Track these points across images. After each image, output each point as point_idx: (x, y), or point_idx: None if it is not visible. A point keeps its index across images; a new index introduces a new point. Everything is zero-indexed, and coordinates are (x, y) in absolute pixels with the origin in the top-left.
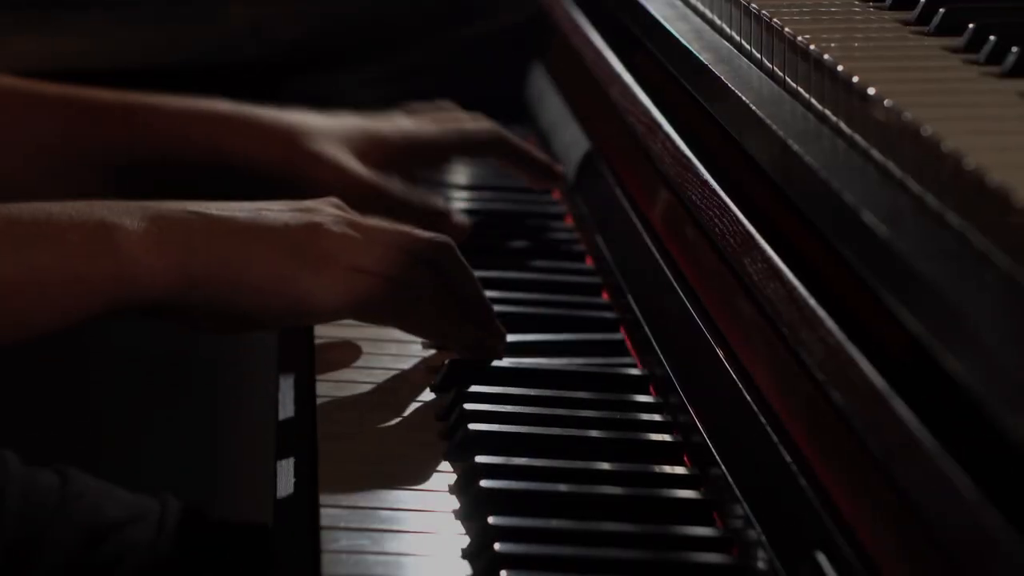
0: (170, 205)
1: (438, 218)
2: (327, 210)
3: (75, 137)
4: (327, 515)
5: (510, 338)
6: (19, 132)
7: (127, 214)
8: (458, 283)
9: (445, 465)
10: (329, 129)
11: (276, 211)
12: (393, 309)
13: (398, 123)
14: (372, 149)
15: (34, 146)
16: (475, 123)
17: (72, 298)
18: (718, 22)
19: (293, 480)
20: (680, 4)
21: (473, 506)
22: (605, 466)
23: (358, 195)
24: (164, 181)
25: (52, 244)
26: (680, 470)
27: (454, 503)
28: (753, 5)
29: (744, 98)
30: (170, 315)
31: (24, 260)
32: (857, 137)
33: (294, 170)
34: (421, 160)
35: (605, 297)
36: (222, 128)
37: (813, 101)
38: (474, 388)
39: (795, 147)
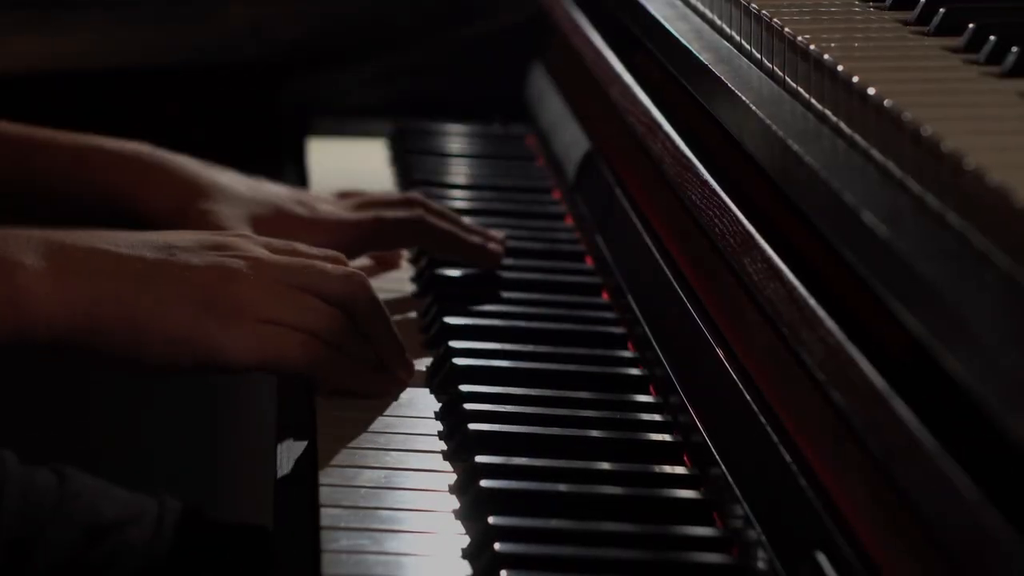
0: (77, 238)
1: None
2: (240, 247)
3: None
4: (327, 515)
5: (509, 342)
6: None
7: (28, 246)
8: (370, 325)
9: (445, 465)
10: (235, 193)
11: (187, 250)
12: (308, 363)
13: (314, 204)
14: (273, 224)
15: None
16: (397, 208)
17: None
18: (718, 22)
19: (293, 479)
20: (680, 4)
21: (473, 506)
22: (605, 466)
23: None
24: (57, 216)
25: None
26: (680, 470)
27: (454, 503)
28: (753, 5)
29: (744, 98)
30: (73, 357)
31: None
32: (857, 137)
33: (185, 226)
34: (331, 242)
35: (605, 297)
36: (122, 169)
37: (813, 101)
38: (474, 388)
39: (795, 147)
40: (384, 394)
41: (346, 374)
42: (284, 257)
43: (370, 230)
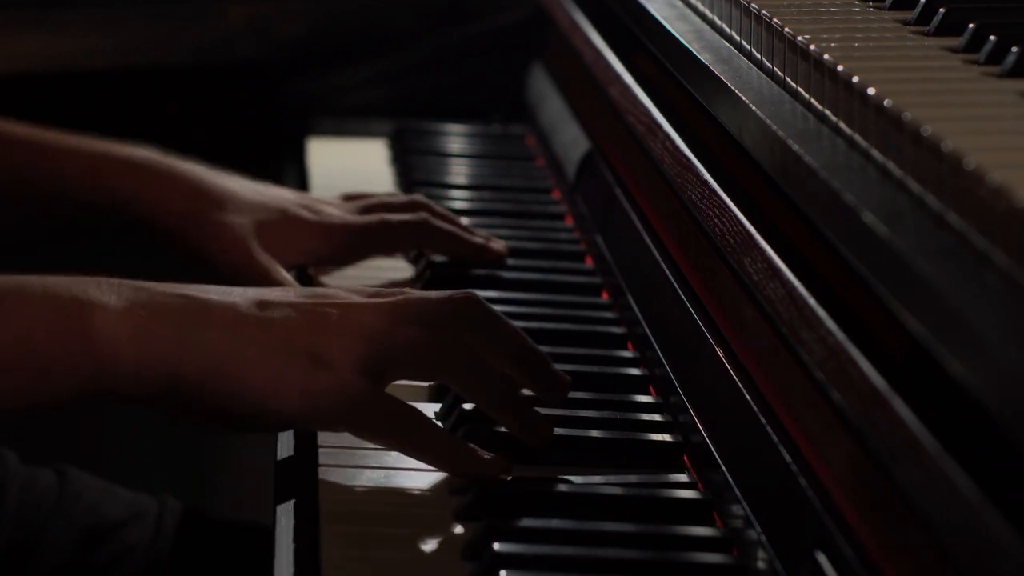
0: (163, 287)
1: None
2: (340, 297)
3: None
4: (327, 515)
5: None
6: None
7: (110, 291)
8: (492, 340)
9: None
10: (244, 201)
11: (281, 301)
12: (389, 428)
13: (321, 208)
14: (282, 229)
15: None
16: (400, 214)
17: (38, 382)
18: (718, 22)
19: (292, 478)
20: (680, 4)
21: (473, 506)
22: (605, 467)
23: (248, 275)
24: (69, 224)
25: (15, 318)
26: (680, 470)
27: (454, 503)
28: (753, 5)
29: (744, 98)
30: (159, 410)
31: None
32: (857, 137)
33: (195, 232)
34: (336, 246)
35: (605, 297)
36: (133, 176)
37: (813, 101)
38: None
39: (795, 147)
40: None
41: (442, 451)
42: (381, 297)
43: (375, 233)
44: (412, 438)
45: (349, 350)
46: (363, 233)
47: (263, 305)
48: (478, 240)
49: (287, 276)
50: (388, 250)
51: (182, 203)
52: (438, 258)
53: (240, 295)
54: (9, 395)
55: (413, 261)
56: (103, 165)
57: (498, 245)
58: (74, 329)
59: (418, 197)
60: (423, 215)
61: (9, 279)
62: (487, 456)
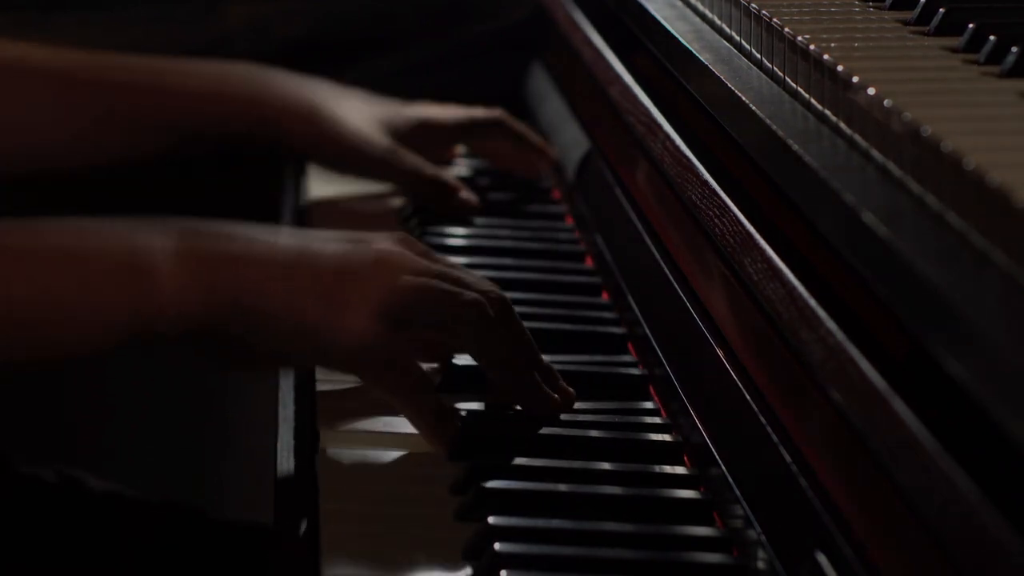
0: (205, 230)
1: (447, 191)
2: (374, 240)
3: (103, 105)
4: (327, 515)
5: None
6: (41, 99)
7: (161, 239)
8: (505, 335)
9: (445, 465)
10: (350, 106)
11: (319, 249)
12: (405, 379)
13: (414, 110)
14: (388, 126)
15: (54, 115)
16: (481, 111)
17: (96, 326)
18: (718, 22)
19: (292, 478)
20: (680, 4)
21: (473, 506)
22: (605, 466)
23: (377, 169)
24: (194, 144)
25: (77, 269)
26: (680, 470)
27: (454, 503)
28: (753, 5)
29: (744, 98)
30: (196, 350)
31: (46, 284)
32: (857, 137)
33: (316, 146)
34: (433, 138)
35: (605, 297)
36: (251, 105)
37: (813, 101)
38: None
39: (795, 147)
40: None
41: (438, 424)
42: (422, 259)
43: (464, 126)
44: (412, 397)
45: (374, 297)
46: (453, 127)
47: (299, 249)
48: (541, 143)
49: (411, 161)
50: (469, 145)
51: (301, 123)
52: (432, 238)
53: (284, 239)
54: (73, 344)
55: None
56: (222, 96)
57: (551, 156)
58: (127, 281)
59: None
60: (500, 113)
61: (68, 229)
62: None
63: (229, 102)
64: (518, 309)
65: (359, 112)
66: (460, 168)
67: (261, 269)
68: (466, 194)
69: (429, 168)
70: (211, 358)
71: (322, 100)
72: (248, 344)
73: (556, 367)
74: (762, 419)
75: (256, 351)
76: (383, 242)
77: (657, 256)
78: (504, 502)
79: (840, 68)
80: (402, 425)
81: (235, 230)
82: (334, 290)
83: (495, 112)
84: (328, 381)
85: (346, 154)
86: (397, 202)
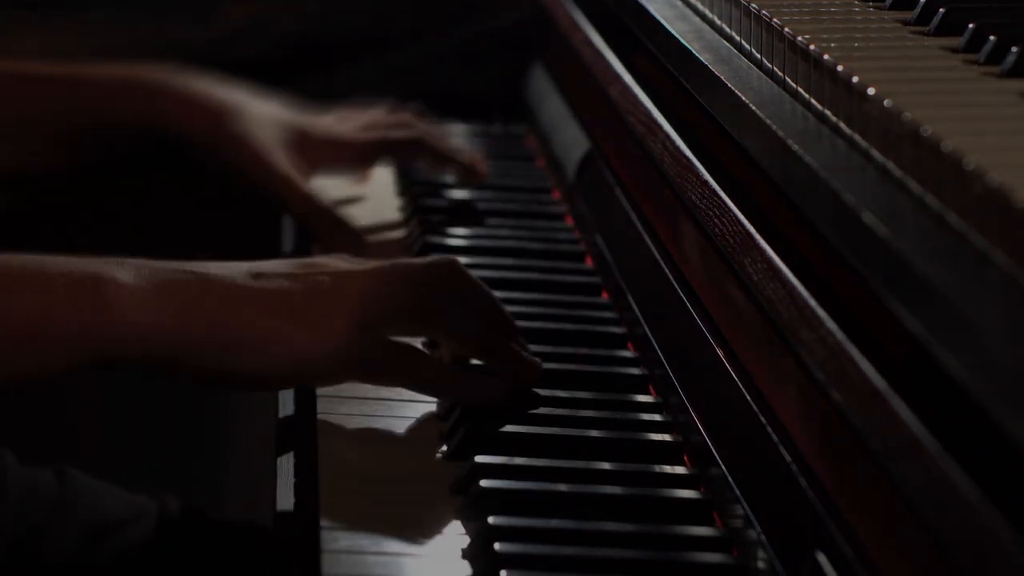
0: (167, 264)
1: (332, 226)
2: (330, 265)
3: (23, 105)
4: (327, 515)
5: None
6: None
7: (120, 268)
8: (471, 302)
9: (445, 465)
10: (262, 115)
11: (275, 272)
12: (393, 367)
13: (325, 122)
14: (297, 142)
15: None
16: (399, 130)
17: (55, 350)
18: (718, 22)
19: (293, 480)
20: (680, 4)
21: (473, 506)
22: (605, 466)
23: (269, 182)
24: (110, 147)
25: (36, 292)
26: (680, 470)
27: (454, 503)
28: (753, 5)
29: (744, 98)
30: (164, 374)
31: (5, 307)
32: (857, 137)
33: (216, 147)
34: (342, 160)
35: (605, 297)
36: (157, 98)
37: (813, 101)
38: None
39: (795, 147)
40: (493, 397)
41: (445, 380)
42: (369, 263)
43: (380, 148)
44: (413, 373)
45: (342, 312)
46: (368, 148)
47: (259, 275)
48: (465, 157)
49: (307, 186)
50: (387, 160)
51: (203, 120)
52: (433, 238)
53: (237, 268)
54: (31, 366)
55: (409, 244)
56: (130, 88)
57: (481, 166)
58: (90, 301)
59: (406, 115)
60: (418, 133)
61: (30, 257)
62: (485, 381)
63: (139, 94)
64: (518, 309)
65: (270, 121)
66: None
67: (229, 295)
68: (349, 232)
69: (320, 201)
70: (184, 381)
71: (233, 101)
72: (221, 370)
73: (556, 367)
74: (762, 419)
75: (230, 376)
76: (334, 259)
77: (657, 256)
78: (504, 502)
79: (840, 68)
80: (401, 426)
81: (190, 263)
82: (306, 307)
83: (415, 131)
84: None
85: (246, 160)
86: (398, 234)
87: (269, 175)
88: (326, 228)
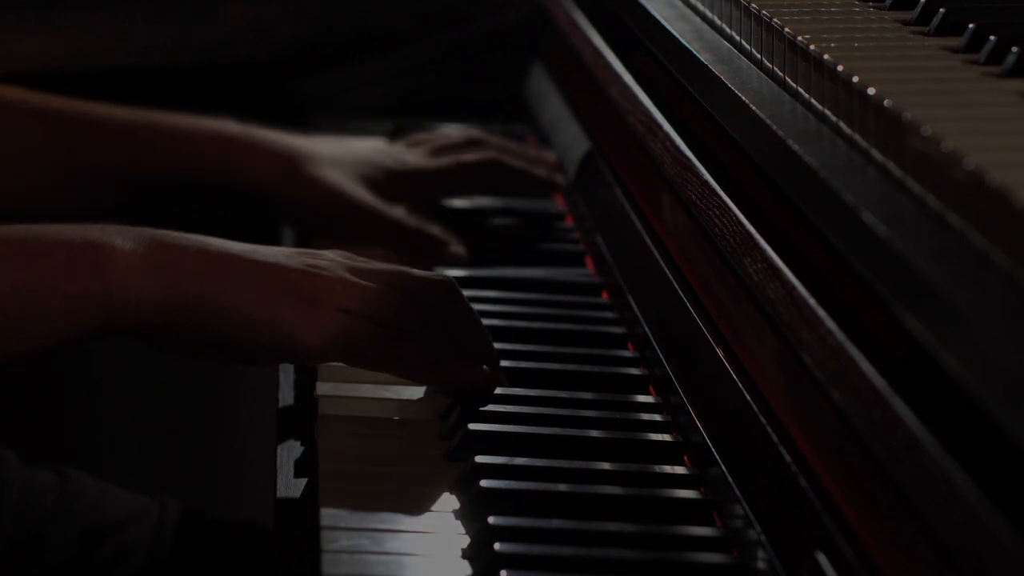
0: (165, 232)
1: (436, 245)
2: (327, 255)
3: (73, 153)
4: (327, 515)
5: (509, 342)
6: (12, 145)
7: (118, 235)
8: (457, 324)
9: (445, 465)
10: (332, 156)
11: (274, 251)
12: (380, 351)
13: (399, 155)
14: (371, 175)
15: (25, 159)
16: (471, 150)
17: (54, 318)
18: (718, 22)
19: (293, 480)
20: (680, 4)
21: (473, 506)
22: (605, 466)
23: (357, 219)
24: (167, 199)
25: (35, 261)
26: (680, 470)
27: (454, 503)
28: (753, 5)
29: (744, 98)
30: (156, 340)
31: (4, 276)
32: (857, 137)
33: (294, 193)
34: (420, 190)
35: (605, 297)
36: (226, 150)
37: (813, 101)
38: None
39: (795, 147)
40: (463, 386)
41: (423, 367)
42: (368, 263)
43: (455, 175)
44: (395, 358)
45: (333, 293)
46: (443, 176)
47: (257, 252)
48: (542, 172)
49: (394, 211)
50: (463, 191)
51: (278, 169)
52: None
53: (236, 244)
54: (31, 336)
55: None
56: (196, 141)
57: (558, 176)
58: (89, 267)
59: (475, 132)
60: (492, 154)
61: (25, 227)
62: (470, 368)
63: (206, 148)
64: (519, 309)
65: (340, 159)
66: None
67: (226, 263)
68: (455, 248)
69: (412, 221)
70: (171, 351)
71: (302, 146)
72: (213, 337)
73: (555, 367)
74: (762, 419)
75: (221, 344)
76: (335, 253)
77: (657, 256)
78: (504, 502)
79: (840, 68)
80: (402, 426)
81: (191, 235)
82: (301, 285)
83: (488, 150)
84: (326, 382)
85: (331, 202)
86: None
87: (357, 209)
88: (426, 247)
